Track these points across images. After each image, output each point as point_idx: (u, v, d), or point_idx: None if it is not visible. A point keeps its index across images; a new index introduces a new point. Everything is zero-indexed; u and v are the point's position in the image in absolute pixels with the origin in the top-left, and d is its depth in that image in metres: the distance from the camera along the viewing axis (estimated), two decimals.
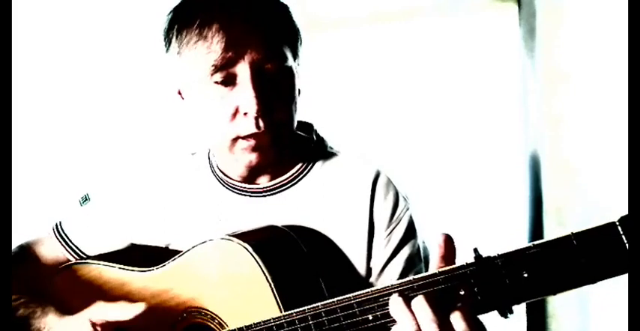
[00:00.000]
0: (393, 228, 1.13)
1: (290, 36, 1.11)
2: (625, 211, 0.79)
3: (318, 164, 1.18)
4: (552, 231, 2.07)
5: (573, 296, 2.02)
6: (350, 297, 0.94)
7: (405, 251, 1.13)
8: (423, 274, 0.89)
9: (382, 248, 1.13)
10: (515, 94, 2.22)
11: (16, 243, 1.31)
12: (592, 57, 1.93)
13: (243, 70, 1.06)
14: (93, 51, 2.14)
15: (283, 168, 1.17)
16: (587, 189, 1.94)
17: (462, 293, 0.86)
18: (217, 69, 1.06)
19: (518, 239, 2.19)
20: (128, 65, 2.16)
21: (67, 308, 1.18)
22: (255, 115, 1.06)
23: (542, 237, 0.84)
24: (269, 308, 1.01)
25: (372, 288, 0.93)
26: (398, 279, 1.12)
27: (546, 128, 2.13)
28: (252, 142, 1.09)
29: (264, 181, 1.17)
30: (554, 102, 2.09)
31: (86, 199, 1.29)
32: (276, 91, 1.08)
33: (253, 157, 1.10)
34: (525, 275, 0.83)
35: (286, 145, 1.13)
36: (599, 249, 0.79)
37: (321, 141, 1.21)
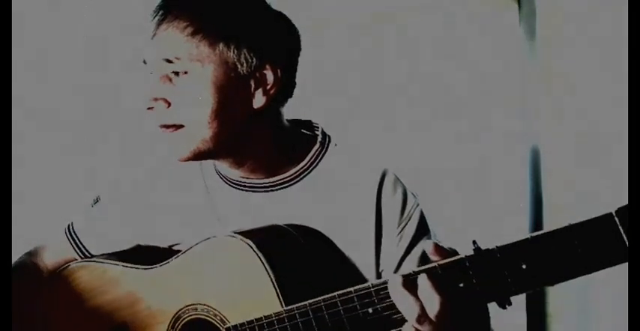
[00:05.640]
0: (404, 226, 1.12)
1: None
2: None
3: (323, 162, 1.17)
4: None
5: (573, 296, 2.02)
6: (351, 291, 0.94)
7: (419, 249, 1.12)
8: (423, 267, 0.89)
9: (394, 248, 1.12)
10: (515, 94, 2.22)
11: (15, 244, 1.30)
12: (592, 56, 1.94)
13: None
14: (96, 50, 2.14)
15: (287, 166, 1.16)
16: (587, 189, 1.95)
17: (462, 285, 0.87)
18: None
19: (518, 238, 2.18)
20: (131, 65, 2.16)
21: (69, 308, 1.20)
22: None
23: None
24: (271, 304, 1.02)
25: (372, 281, 0.93)
26: None
27: (546, 127, 2.13)
28: None
29: (260, 178, 1.17)
30: (554, 101, 2.09)
31: (97, 201, 1.31)
32: None
33: None
34: (524, 266, 0.84)
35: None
36: (596, 240, 0.81)
37: (326, 138, 1.20)
